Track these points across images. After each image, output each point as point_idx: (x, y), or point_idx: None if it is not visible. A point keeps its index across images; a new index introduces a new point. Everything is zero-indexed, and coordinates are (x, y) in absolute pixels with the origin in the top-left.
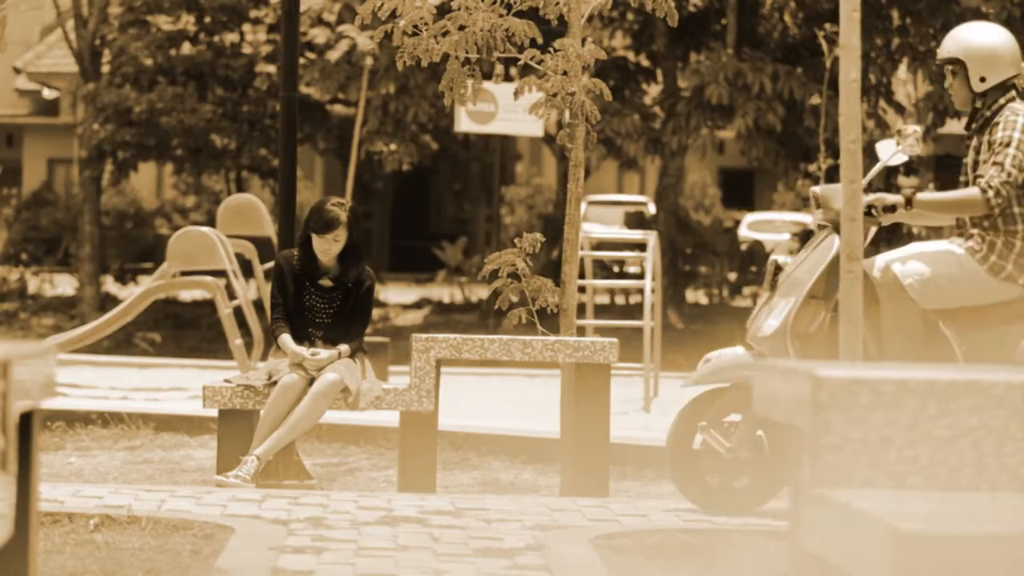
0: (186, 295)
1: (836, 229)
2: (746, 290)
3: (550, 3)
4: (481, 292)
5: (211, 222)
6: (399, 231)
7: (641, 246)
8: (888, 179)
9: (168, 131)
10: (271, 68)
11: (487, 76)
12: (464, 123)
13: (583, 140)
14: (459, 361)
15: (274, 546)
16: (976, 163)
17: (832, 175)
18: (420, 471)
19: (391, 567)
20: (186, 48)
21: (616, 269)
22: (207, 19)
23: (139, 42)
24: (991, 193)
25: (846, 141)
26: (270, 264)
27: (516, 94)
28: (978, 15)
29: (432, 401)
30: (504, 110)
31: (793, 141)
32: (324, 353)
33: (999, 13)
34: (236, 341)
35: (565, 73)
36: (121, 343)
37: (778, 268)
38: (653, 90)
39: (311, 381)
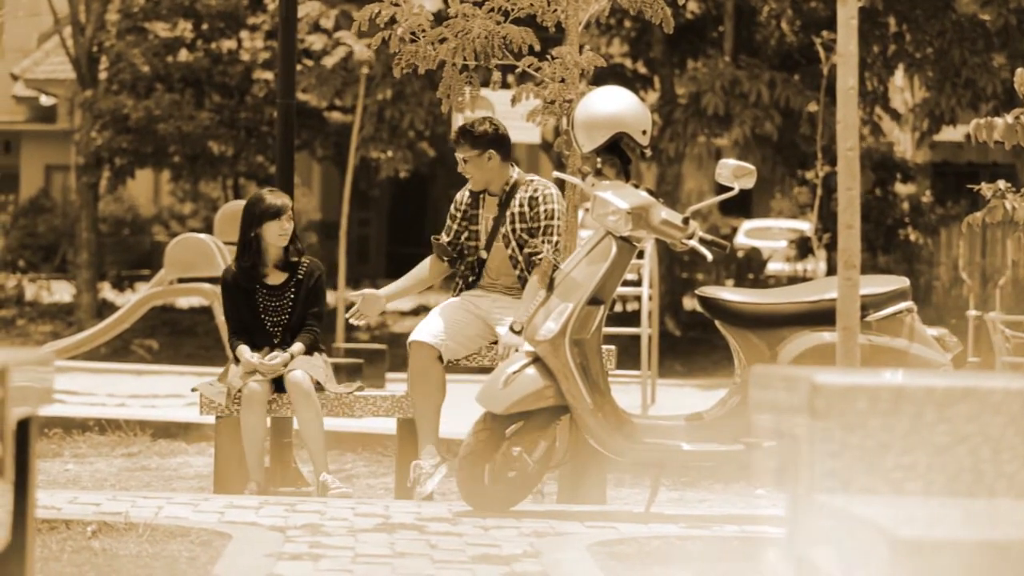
0: (183, 302)
1: (615, 235)
2: None
3: (548, 10)
4: None
5: (208, 229)
6: (396, 238)
7: (639, 253)
8: (885, 185)
9: (165, 138)
10: (268, 75)
11: (484, 83)
12: None
13: None
14: (456, 368)
15: (271, 553)
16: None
17: (829, 182)
18: None
19: (388, 574)
20: (183, 55)
21: None
22: (204, 26)
23: (136, 49)
24: None
25: (843, 148)
26: None
27: (513, 101)
28: (973, 22)
29: None
30: (501, 117)
31: (790, 149)
32: (277, 357)
33: (995, 20)
34: None
35: (563, 80)
36: (119, 350)
37: (554, 267)
38: (650, 97)
39: (273, 384)
